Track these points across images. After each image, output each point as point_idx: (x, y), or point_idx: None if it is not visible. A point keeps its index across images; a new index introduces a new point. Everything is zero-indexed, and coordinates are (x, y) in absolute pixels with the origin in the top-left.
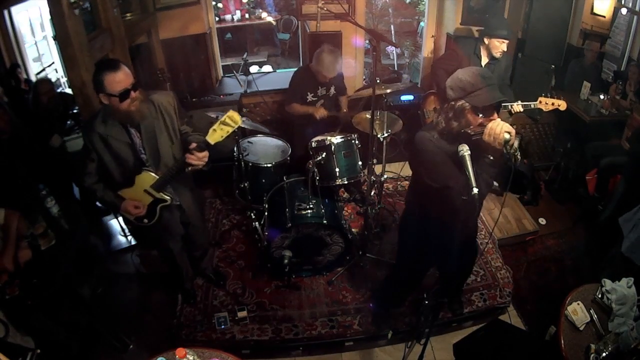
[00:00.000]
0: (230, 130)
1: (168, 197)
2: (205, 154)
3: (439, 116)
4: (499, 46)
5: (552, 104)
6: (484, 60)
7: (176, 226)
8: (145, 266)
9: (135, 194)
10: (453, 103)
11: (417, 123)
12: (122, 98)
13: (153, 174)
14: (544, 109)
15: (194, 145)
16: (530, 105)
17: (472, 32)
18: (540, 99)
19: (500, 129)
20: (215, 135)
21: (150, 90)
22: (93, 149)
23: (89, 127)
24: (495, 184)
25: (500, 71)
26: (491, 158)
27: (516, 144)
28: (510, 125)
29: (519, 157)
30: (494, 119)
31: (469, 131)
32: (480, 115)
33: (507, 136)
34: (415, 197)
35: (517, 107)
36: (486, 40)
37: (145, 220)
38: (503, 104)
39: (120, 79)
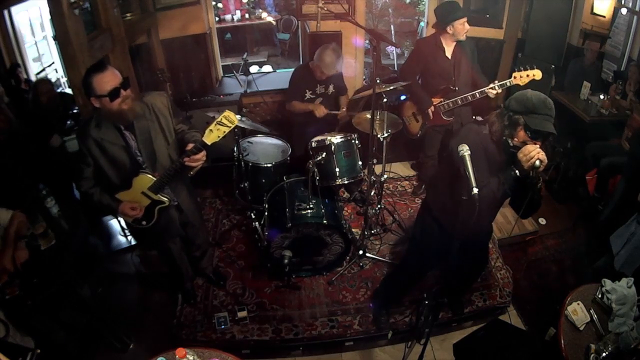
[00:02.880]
0: (227, 130)
1: (166, 199)
2: (203, 154)
3: (497, 118)
4: (463, 28)
5: (527, 75)
6: (449, 50)
7: (175, 227)
8: (145, 266)
9: (133, 197)
10: (512, 114)
11: None
12: (112, 97)
13: (150, 176)
14: (521, 84)
15: (190, 146)
16: (506, 83)
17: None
18: (514, 74)
19: (535, 153)
20: (212, 135)
21: (143, 92)
22: (88, 154)
23: (83, 133)
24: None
25: (467, 57)
26: (517, 173)
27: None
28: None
29: (540, 186)
30: (536, 144)
31: (510, 142)
32: (529, 133)
33: (537, 163)
34: (435, 193)
35: (494, 90)
36: (450, 30)
37: (144, 222)
38: (481, 90)
39: (108, 78)
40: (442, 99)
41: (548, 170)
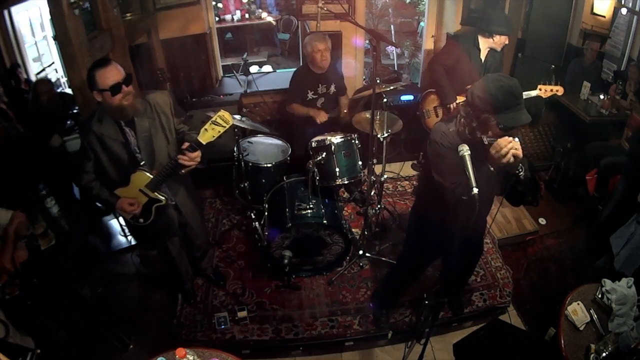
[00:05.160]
0: (222, 130)
1: (163, 197)
2: (198, 154)
3: (462, 116)
4: (504, 41)
5: (551, 90)
6: (484, 52)
7: (173, 227)
8: (145, 266)
9: (130, 193)
10: (479, 113)
11: (417, 123)
12: (113, 92)
13: (147, 174)
14: (543, 96)
15: (185, 145)
16: (530, 94)
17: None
18: (539, 86)
19: (507, 149)
20: (207, 135)
21: (146, 90)
22: (89, 148)
23: (85, 127)
24: None
25: (496, 63)
26: (491, 169)
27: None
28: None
29: (522, 176)
30: (510, 136)
31: (485, 140)
32: (501, 127)
33: (512, 159)
34: (424, 189)
35: None
36: (496, 38)
37: (141, 220)
38: None
39: (111, 73)
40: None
41: (548, 170)
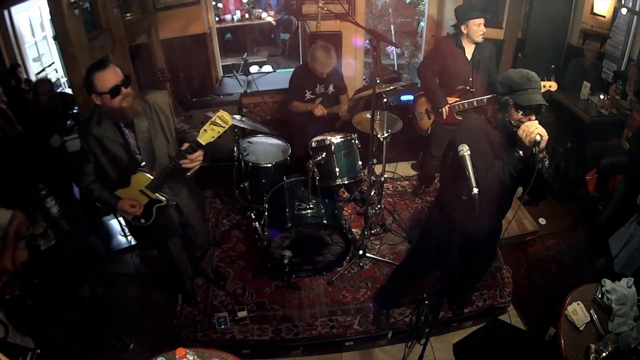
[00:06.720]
0: (222, 130)
1: (164, 198)
2: (198, 154)
3: (488, 105)
4: (478, 29)
5: (544, 86)
6: (469, 50)
7: (174, 227)
8: (145, 266)
9: (131, 194)
10: (500, 97)
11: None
12: (112, 94)
13: (148, 175)
14: None
15: (185, 146)
16: None
17: None
18: None
19: (534, 128)
20: (206, 135)
21: (145, 91)
22: (89, 150)
23: (84, 129)
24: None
25: (485, 60)
26: (520, 153)
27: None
28: None
29: (546, 163)
30: (532, 119)
31: (513, 122)
32: (520, 112)
33: (537, 137)
34: (444, 191)
35: None
36: (464, 29)
37: (142, 220)
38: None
39: (109, 76)
40: (457, 99)
41: (548, 170)
